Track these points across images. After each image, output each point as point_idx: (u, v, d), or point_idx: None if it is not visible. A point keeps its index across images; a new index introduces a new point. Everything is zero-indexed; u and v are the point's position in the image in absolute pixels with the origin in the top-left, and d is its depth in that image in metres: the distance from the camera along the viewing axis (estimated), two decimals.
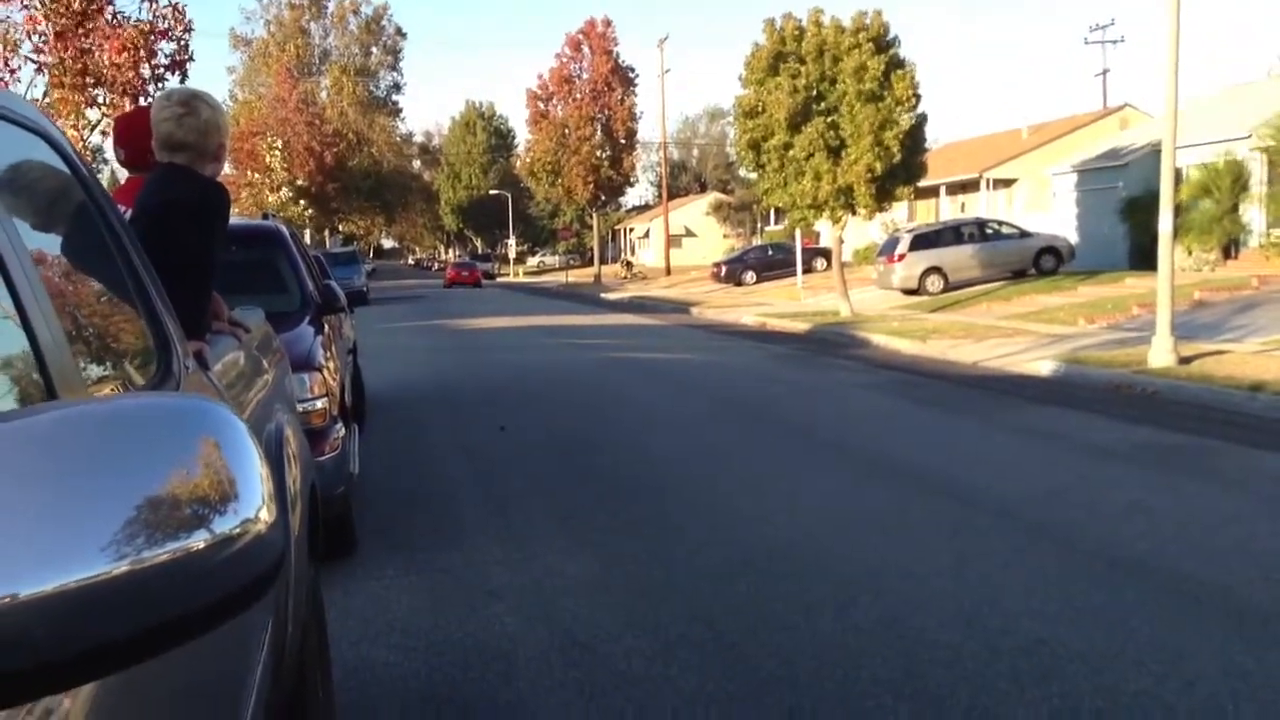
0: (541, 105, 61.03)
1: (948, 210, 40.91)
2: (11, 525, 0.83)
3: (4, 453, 0.86)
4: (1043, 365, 14.24)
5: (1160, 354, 13.09)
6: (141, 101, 14.98)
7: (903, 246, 28.14)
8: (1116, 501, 6.87)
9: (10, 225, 1.48)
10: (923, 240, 28.39)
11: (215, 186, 3.63)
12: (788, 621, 4.78)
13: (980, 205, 38.43)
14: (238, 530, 0.91)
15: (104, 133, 16.09)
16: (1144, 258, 24.82)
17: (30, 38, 14.65)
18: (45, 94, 15.04)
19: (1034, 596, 5.00)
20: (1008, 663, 4.20)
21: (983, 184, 38.89)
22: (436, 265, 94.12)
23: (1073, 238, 30.71)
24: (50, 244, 1.95)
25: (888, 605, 4.94)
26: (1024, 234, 29.39)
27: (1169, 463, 8.23)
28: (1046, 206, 35.35)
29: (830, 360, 16.68)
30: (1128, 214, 29.31)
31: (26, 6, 14.43)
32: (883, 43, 24.58)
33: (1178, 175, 16.69)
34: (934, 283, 27.70)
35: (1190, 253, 25.62)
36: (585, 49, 60.35)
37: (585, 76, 60.20)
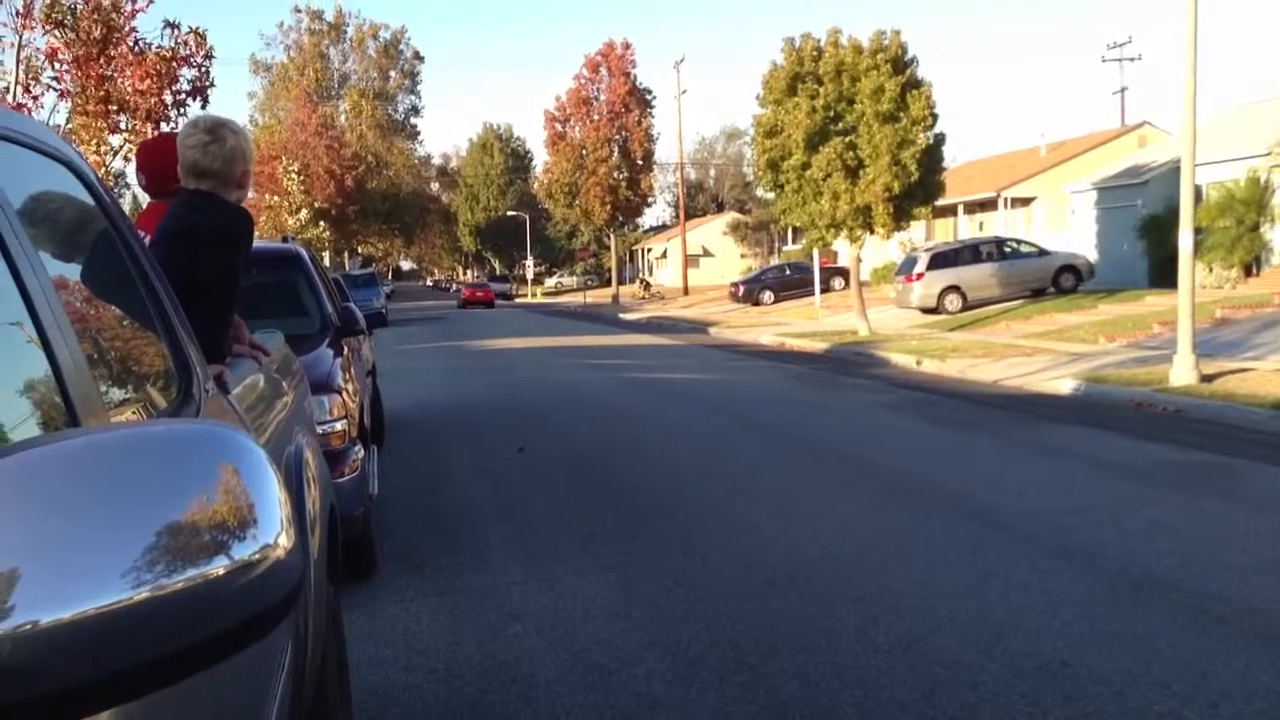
0: (559, 127, 61.29)
1: (966, 229, 40.83)
2: (33, 552, 0.83)
3: (25, 480, 0.87)
4: (1063, 384, 14.18)
5: (1182, 372, 13.01)
6: (164, 127, 15.10)
7: (921, 265, 28.11)
8: (1139, 520, 6.82)
9: (32, 252, 1.49)
10: (941, 259, 28.35)
11: (239, 212, 3.67)
12: (808, 642, 4.75)
13: (998, 224, 38.32)
14: (257, 556, 0.92)
15: (126, 158, 16.23)
16: (1164, 275, 24.71)
17: (52, 65, 14.80)
18: (68, 120, 15.19)
19: (1056, 617, 4.97)
20: (1029, 684, 4.17)
21: (1001, 202, 38.80)
22: (455, 286, 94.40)
23: (1092, 256, 30.60)
24: (72, 270, 1.97)
25: (908, 625, 4.91)
26: (1043, 252, 29.31)
27: (1192, 481, 8.17)
28: (1065, 225, 35.23)
29: (849, 380, 16.65)
30: (1147, 232, 29.19)
31: (48, 33, 14.57)
32: (900, 63, 24.62)
33: (1198, 193, 16.64)
34: (952, 301, 27.65)
35: (1211, 270, 25.49)
36: (603, 71, 60.60)
37: (603, 98, 60.41)
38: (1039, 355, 17.64)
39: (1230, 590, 5.28)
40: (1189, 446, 9.66)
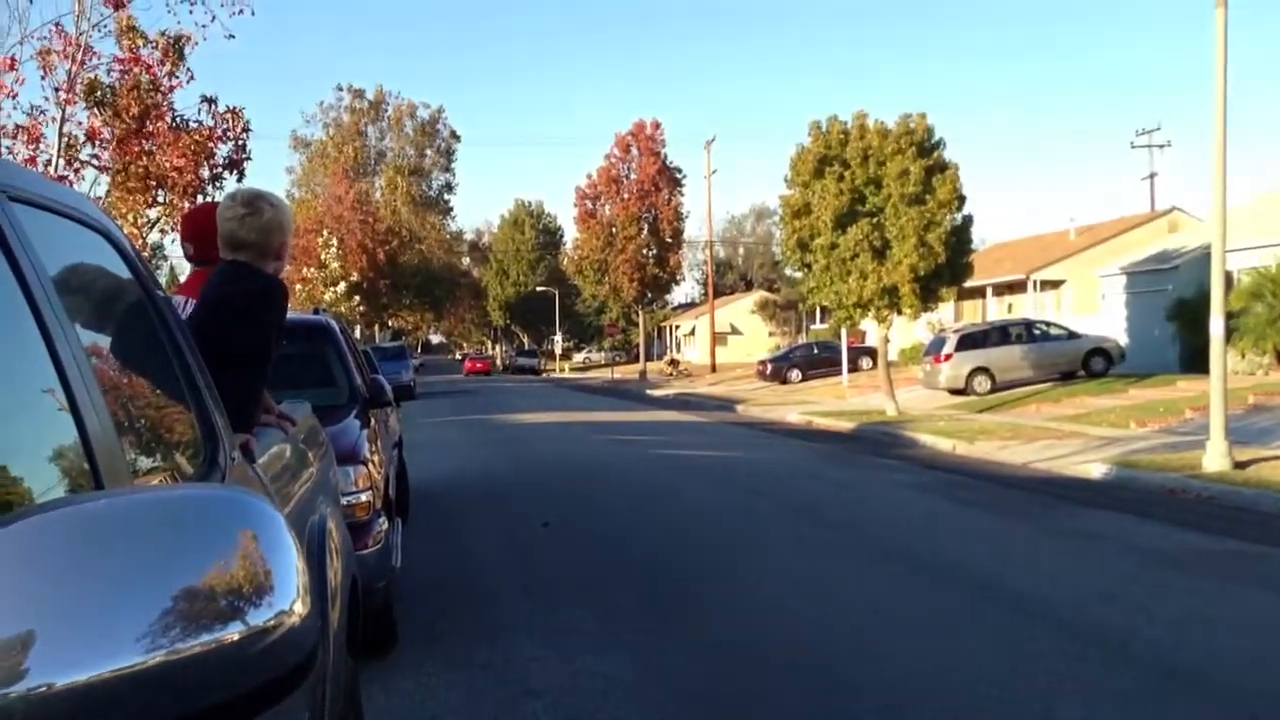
0: (590, 205, 61.89)
1: (994, 311, 40.76)
2: (49, 614, 0.84)
3: (45, 541, 0.88)
4: (1094, 468, 14.03)
5: (1215, 458, 12.86)
6: (200, 200, 15.34)
7: (949, 346, 28.01)
8: (1171, 608, 6.69)
9: (66, 320, 1.52)
10: (970, 340, 28.26)
11: (275, 283, 3.70)
12: None
13: (1028, 306, 38.25)
14: (272, 623, 0.92)
15: (163, 231, 16.50)
16: (1195, 361, 24.50)
17: (92, 144, 15.08)
18: (107, 193, 15.45)
19: (1086, 707, 4.87)
20: None
21: (1030, 285, 38.77)
22: None
23: (1122, 340, 30.42)
24: (104, 339, 2.00)
25: (934, 714, 4.82)
26: (1072, 335, 29.17)
27: (1225, 569, 8.03)
28: (1095, 308, 35.11)
29: (877, 460, 16.53)
30: (1177, 317, 29.01)
31: (89, 109, 14.87)
32: (926, 146, 24.79)
33: (1228, 279, 16.56)
34: (981, 383, 27.48)
35: (1243, 356, 25.26)
36: (634, 150, 61.27)
37: (633, 177, 61.01)
38: (1069, 439, 17.47)
39: (1264, 682, 5.17)
40: (1222, 534, 9.50)
